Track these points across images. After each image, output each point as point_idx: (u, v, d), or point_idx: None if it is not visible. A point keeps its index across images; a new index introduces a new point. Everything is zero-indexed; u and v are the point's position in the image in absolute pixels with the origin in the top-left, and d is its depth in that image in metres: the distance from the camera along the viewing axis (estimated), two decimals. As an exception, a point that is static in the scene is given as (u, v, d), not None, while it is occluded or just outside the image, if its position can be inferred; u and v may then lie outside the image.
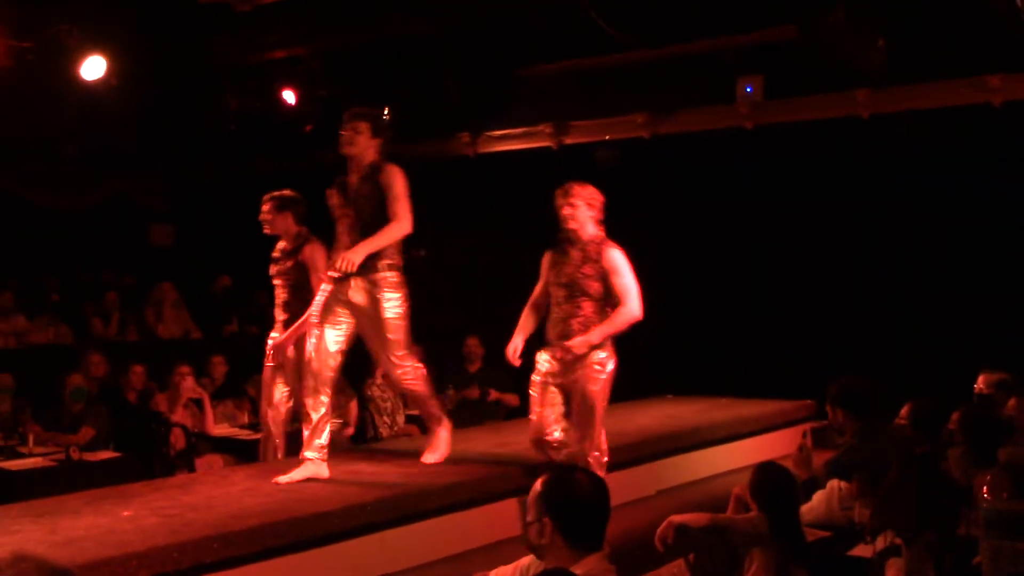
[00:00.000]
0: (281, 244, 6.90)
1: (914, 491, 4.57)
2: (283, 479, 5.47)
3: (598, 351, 5.66)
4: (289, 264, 6.77)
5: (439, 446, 6.07)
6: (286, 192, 6.95)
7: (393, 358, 5.86)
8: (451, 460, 6.16)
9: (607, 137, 10.62)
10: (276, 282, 6.86)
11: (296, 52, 10.20)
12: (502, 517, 5.48)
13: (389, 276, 5.74)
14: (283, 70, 10.43)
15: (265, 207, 6.89)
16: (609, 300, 5.69)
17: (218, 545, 4.41)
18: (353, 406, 9.03)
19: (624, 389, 9.03)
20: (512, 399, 9.18)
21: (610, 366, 5.71)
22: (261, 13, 8.59)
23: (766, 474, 4.60)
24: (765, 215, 9.75)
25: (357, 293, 5.72)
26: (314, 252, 6.67)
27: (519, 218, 11.41)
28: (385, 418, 9.00)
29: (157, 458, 8.20)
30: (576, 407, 5.70)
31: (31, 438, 7.91)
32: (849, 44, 8.02)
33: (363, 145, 5.81)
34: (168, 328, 11.18)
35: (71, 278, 12.24)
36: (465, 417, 8.70)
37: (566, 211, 5.72)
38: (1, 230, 11.55)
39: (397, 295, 5.77)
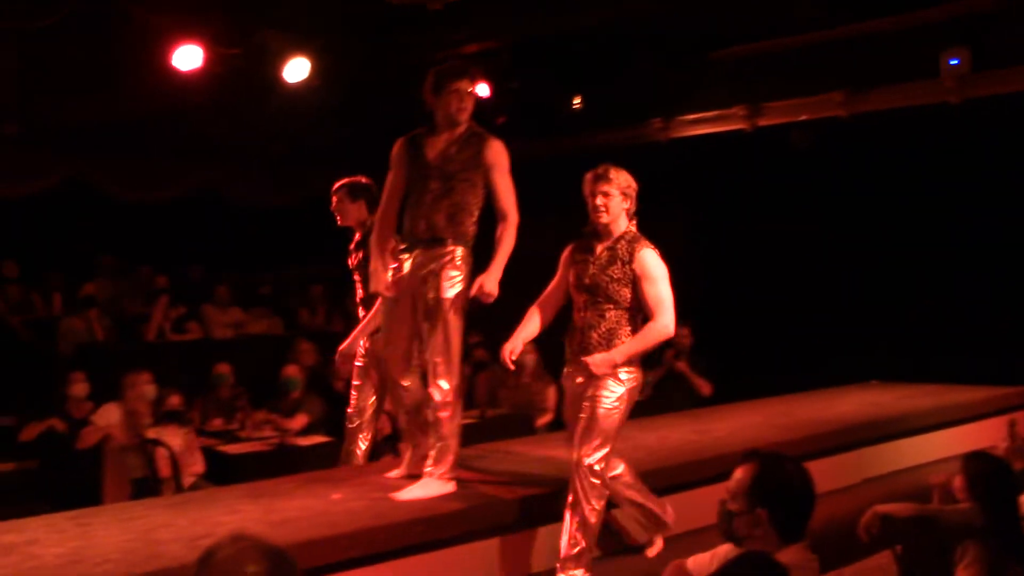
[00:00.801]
0: (357, 236, 6.23)
1: None
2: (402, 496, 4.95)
3: (620, 369, 4.78)
4: (364, 255, 5.94)
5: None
6: (359, 178, 6.27)
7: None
8: (644, 446, 6.15)
9: (803, 117, 10.34)
10: (355, 277, 6.20)
11: (487, 46, 10.33)
12: (701, 504, 5.44)
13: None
14: (476, 64, 10.58)
15: (335, 197, 6.23)
16: (641, 310, 4.84)
17: (422, 528, 4.54)
18: (551, 392, 9.13)
19: (826, 375, 8.90)
20: (705, 386, 9.08)
21: (628, 386, 4.82)
22: (452, 10, 8.73)
23: (981, 464, 4.40)
24: (972, 193, 9.32)
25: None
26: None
27: (712, 202, 11.33)
28: (583, 405, 9.03)
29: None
30: (583, 422, 4.82)
31: (249, 424, 8.34)
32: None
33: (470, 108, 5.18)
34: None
35: (281, 272, 12.83)
36: (659, 403, 8.66)
37: (599, 200, 4.83)
38: (217, 229, 12.21)
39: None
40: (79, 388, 8.24)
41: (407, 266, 5.09)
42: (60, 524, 4.80)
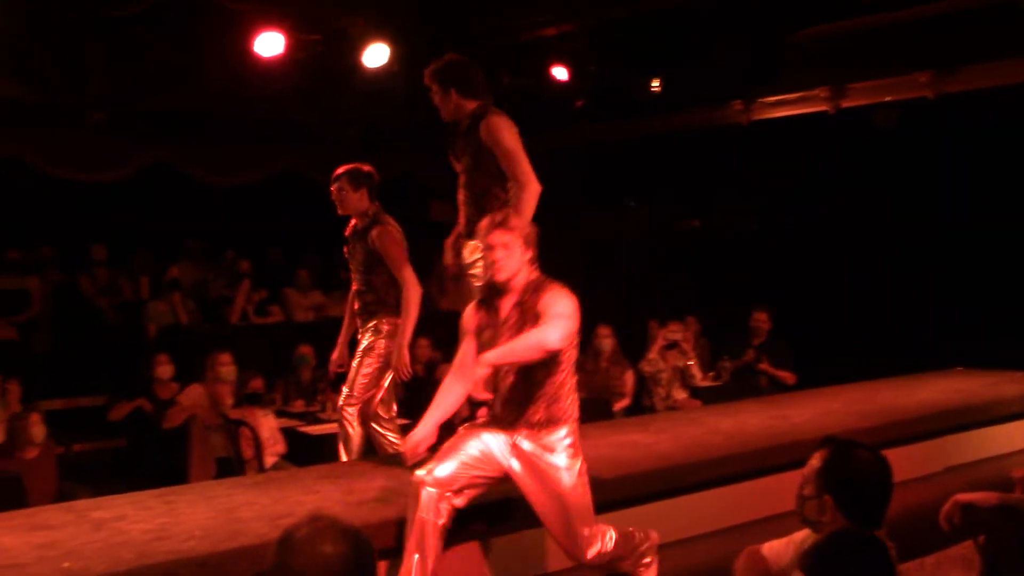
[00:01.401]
0: (353, 223, 5.86)
1: None
2: None
3: (564, 442, 4.23)
4: (358, 246, 5.75)
5: None
6: (361, 166, 5.87)
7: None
8: (722, 431, 6.13)
9: (887, 99, 10.15)
10: (351, 267, 5.86)
11: (565, 29, 10.31)
12: (778, 490, 5.40)
13: None
14: (555, 47, 10.57)
15: (335, 185, 5.80)
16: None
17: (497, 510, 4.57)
18: (629, 377, 9.13)
19: (909, 361, 8.75)
20: (788, 377, 8.97)
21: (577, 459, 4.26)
22: (532, -8, 8.76)
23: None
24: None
25: None
26: (383, 237, 5.62)
27: (793, 185, 11.19)
28: (660, 389, 9.03)
29: (445, 425, 8.55)
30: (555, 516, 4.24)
31: (329, 405, 8.47)
32: None
33: (453, 104, 5.07)
34: (450, 301, 11.63)
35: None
36: (737, 389, 8.61)
37: (498, 254, 4.19)
38: (298, 210, 12.36)
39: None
40: (164, 370, 8.46)
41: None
42: (147, 501, 4.95)
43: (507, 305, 4.23)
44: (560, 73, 10.59)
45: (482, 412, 4.43)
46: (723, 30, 9.95)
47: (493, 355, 4.01)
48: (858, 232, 10.50)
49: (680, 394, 9.01)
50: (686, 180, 11.68)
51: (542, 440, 4.17)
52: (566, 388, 4.18)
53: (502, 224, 4.19)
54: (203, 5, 8.49)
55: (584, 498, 4.22)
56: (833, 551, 2.78)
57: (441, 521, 4.07)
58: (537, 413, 4.16)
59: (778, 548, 3.50)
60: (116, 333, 10.51)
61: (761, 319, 9.12)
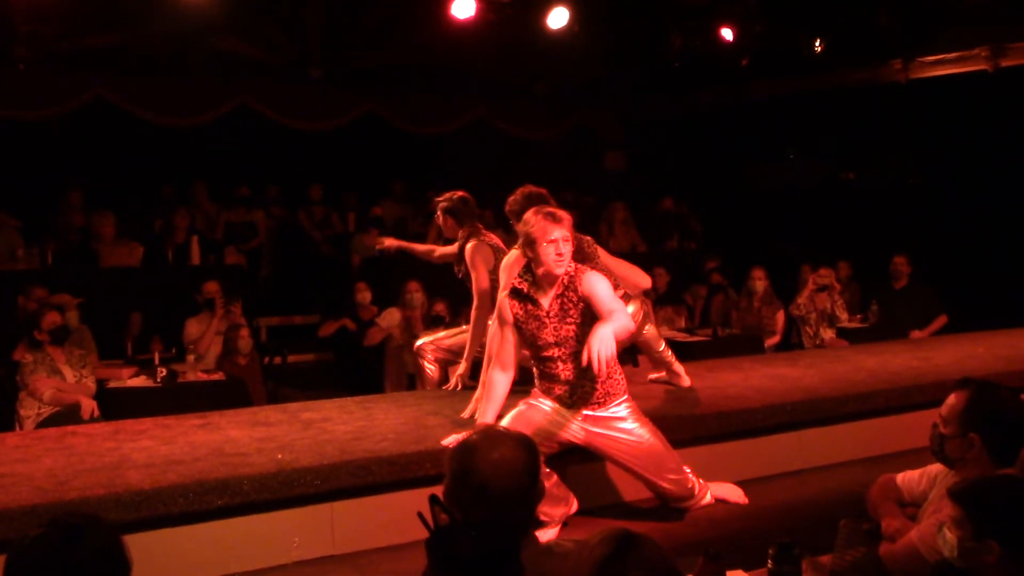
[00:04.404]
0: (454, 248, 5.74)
1: None
2: None
3: (622, 403, 4.24)
4: (460, 269, 5.63)
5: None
6: (454, 194, 5.75)
7: None
8: (866, 369, 5.94)
9: (1048, 58, 9.44)
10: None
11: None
12: (918, 426, 5.21)
13: None
14: (722, 9, 10.27)
15: (436, 212, 5.78)
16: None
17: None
18: (780, 316, 8.91)
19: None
20: (941, 319, 8.63)
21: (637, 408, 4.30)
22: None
23: None
24: None
25: None
26: (473, 254, 5.42)
27: (948, 143, 10.58)
28: (808, 329, 8.78)
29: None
30: (643, 459, 4.28)
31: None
32: None
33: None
34: (618, 242, 11.57)
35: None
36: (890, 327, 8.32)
37: (563, 248, 3.99)
38: (486, 158, 12.49)
39: None
40: (364, 295, 8.74)
41: None
42: (349, 407, 5.17)
43: (548, 299, 4.06)
44: (727, 34, 10.30)
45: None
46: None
47: (609, 337, 3.66)
48: (1010, 190, 9.86)
49: (828, 333, 8.74)
50: (844, 135, 11.23)
51: (608, 411, 4.16)
52: (615, 365, 4.02)
53: (561, 220, 4.01)
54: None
55: (665, 446, 4.24)
56: (989, 488, 2.60)
57: None
58: (596, 391, 4.12)
59: (913, 478, 3.38)
60: (327, 262, 10.86)
61: (900, 263, 8.84)
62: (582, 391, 4.14)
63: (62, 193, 9.72)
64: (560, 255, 3.98)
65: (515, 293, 4.15)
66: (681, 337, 8.68)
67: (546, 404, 4.21)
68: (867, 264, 9.67)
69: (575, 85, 11.53)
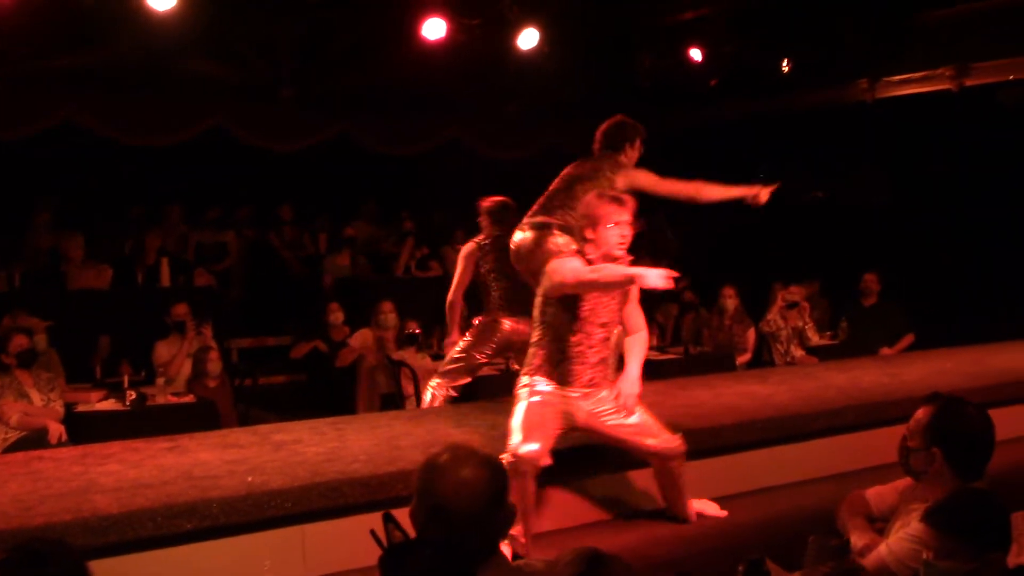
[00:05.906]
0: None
1: None
2: None
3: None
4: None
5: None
6: (491, 199, 6.27)
7: None
8: (836, 386, 5.97)
9: (1011, 77, 9.60)
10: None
11: (702, 12, 10.09)
12: (887, 442, 5.24)
13: None
14: (691, 30, 10.37)
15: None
16: None
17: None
18: (750, 334, 8.97)
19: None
20: (908, 338, 8.71)
21: None
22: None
23: None
24: None
25: None
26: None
27: (916, 161, 10.71)
28: (779, 346, 8.84)
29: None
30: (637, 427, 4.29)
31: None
32: None
33: None
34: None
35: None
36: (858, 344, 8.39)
37: (626, 232, 3.99)
38: (460, 177, 12.48)
39: None
40: (336, 316, 8.71)
41: None
42: (321, 428, 5.13)
43: None
44: (696, 55, 10.39)
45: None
46: (851, 10, 9.59)
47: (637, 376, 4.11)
48: (977, 207, 9.99)
49: (798, 351, 8.81)
50: (814, 154, 11.34)
51: (598, 396, 4.13)
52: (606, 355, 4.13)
53: (626, 204, 4.00)
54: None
55: (650, 416, 4.21)
56: (958, 506, 2.65)
57: (532, 475, 3.94)
58: (586, 376, 4.11)
59: (882, 493, 3.42)
60: (298, 282, 10.82)
61: (870, 280, 8.93)
62: (603, 369, 4.14)
63: (29, 215, 9.63)
64: (624, 238, 3.94)
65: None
66: (652, 355, 8.70)
67: (547, 387, 4.12)
68: (837, 282, 9.75)
69: (546, 105, 11.57)
